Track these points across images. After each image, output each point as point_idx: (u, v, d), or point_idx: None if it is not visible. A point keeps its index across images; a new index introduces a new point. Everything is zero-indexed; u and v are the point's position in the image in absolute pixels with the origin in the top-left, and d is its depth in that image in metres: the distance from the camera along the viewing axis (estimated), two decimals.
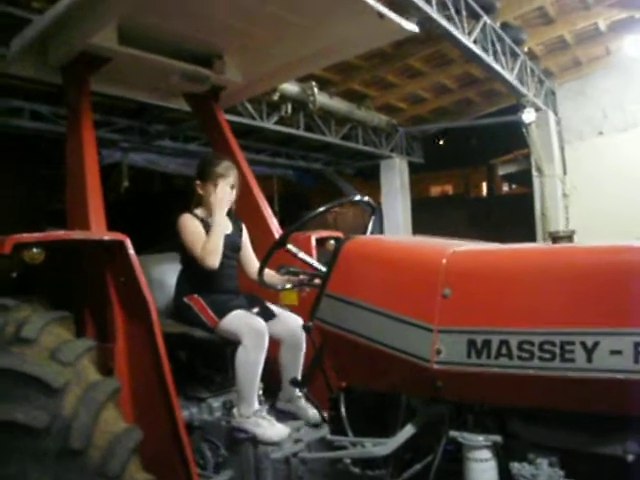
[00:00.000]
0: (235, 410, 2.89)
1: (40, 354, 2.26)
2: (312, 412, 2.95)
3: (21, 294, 2.57)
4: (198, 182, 3.23)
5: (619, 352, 1.74)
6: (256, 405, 2.87)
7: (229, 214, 3.29)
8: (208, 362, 3.20)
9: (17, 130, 9.17)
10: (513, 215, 15.04)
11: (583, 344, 1.80)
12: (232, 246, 3.22)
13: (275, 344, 3.02)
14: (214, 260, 3.00)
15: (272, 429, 2.79)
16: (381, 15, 2.91)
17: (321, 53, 3.42)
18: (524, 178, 14.02)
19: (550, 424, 2.02)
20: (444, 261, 2.19)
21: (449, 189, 22.22)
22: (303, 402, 3.03)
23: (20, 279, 2.72)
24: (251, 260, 3.35)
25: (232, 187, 3.23)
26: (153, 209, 13.61)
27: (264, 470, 2.70)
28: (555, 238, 2.72)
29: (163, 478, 2.43)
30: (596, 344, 1.78)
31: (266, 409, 2.95)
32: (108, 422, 2.26)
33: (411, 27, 3.10)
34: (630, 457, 1.86)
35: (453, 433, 2.16)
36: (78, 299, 2.84)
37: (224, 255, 3.11)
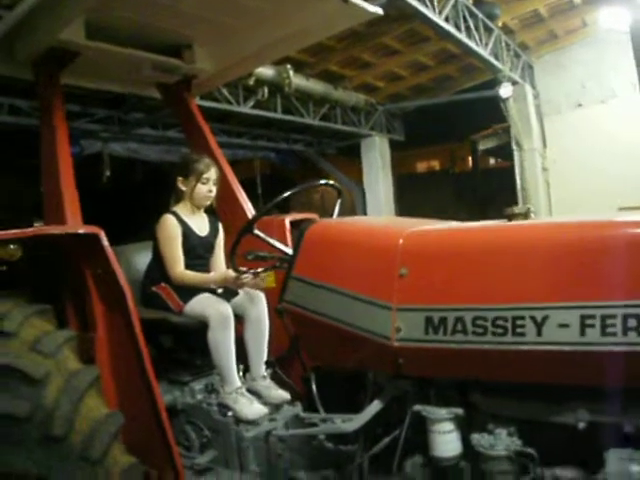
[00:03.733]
0: (221, 388, 2.98)
1: (21, 346, 2.33)
2: (275, 392, 3.03)
3: (3, 289, 2.64)
4: (180, 178, 3.31)
5: (566, 325, 1.84)
6: (237, 383, 2.95)
7: (209, 211, 3.39)
8: (189, 346, 3.28)
9: None
10: (498, 189, 15.04)
11: (533, 318, 1.90)
12: (206, 247, 3.35)
13: (240, 322, 3.11)
14: (177, 275, 3.11)
15: (249, 407, 2.87)
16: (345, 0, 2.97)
17: (290, 38, 3.45)
18: (505, 152, 14.06)
19: (507, 396, 2.12)
20: (400, 241, 2.27)
21: (436, 164, 22.20)
22: (267, 382, 3.09)
23: (1, 274, 2.77)
24: (220, 261, 3.44)
25: (214, 183, 3.33)
26: (136, 197, 13.60)
27: (245, 449, 2.79)
28: (510, 216, 2.79)
29: (147, 460, 2.51)
30: (545, 318, 1.88)
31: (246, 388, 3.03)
32: (90, 408, 2.33)
33: (375, 9, 3.15)
34: (581, 425, 1.97)
35: (417, 407, 2.26)
36: (59, 291, 2.89)
37: (197, 255, 3.27)
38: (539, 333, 1.88)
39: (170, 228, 3.18)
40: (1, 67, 3.29)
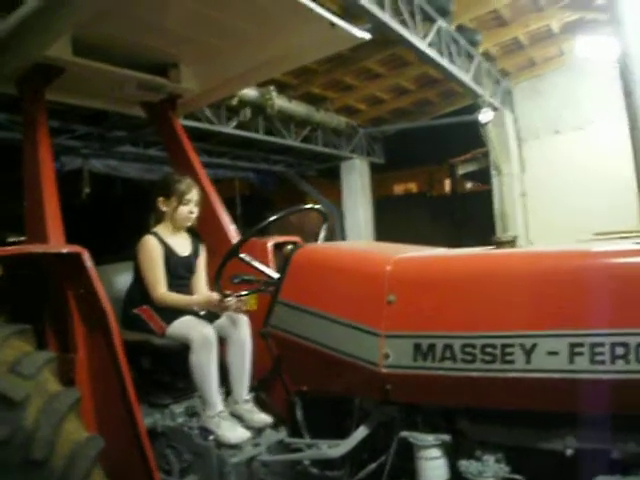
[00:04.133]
0: (202, 412, 2.94)
1: (0, 368, 2.27)
2: (258, 416, 2.98)
3: None
4: (161, 199, 3.29)
5: (555, 353, 1.85)
6: (219, 407, 2.91)
7: (190, 232, 3.37)
8: (170, 369, 3.23)
9: None
10: (476, 213, 15.15)
11: (522, 346, 1.90)
12: (187, 267, 3.32)
13: (222, 345, 3.07)
14: (159, 297, 3.08)
15: (232, 431, 2.83)
16: (332, 24, 2.98)
17: (276, 61, 3.47)
18: (484, 177, 14.21)
19: (495, 422, 2.12)
20: (388, 268, 2.28)
21: (413, 187, 22.36)
22: (250, 405, 3.04)
23: None
24: (201, 282, 3.40)
25: (195, 204, 3.30)
26: (116, 214, 13.49)
27: (227, 474, 2.74)
28: (497, 243, 2.79)
29: None
30: (534, 346, 1.88)
31: (229, 412, 2.99)
32: (70, 432, 2.27)
33: (362, 35, 3.17)
34: (569, 452, 1.98)
35: (404, 433, 2.25)
36: (39, 310, 2.84)
37: (178, 276, 3.23)
38: (528, 361, 1.88)
39: (151, 249, 3.15)
40: None
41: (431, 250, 2.63)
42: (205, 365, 2.86)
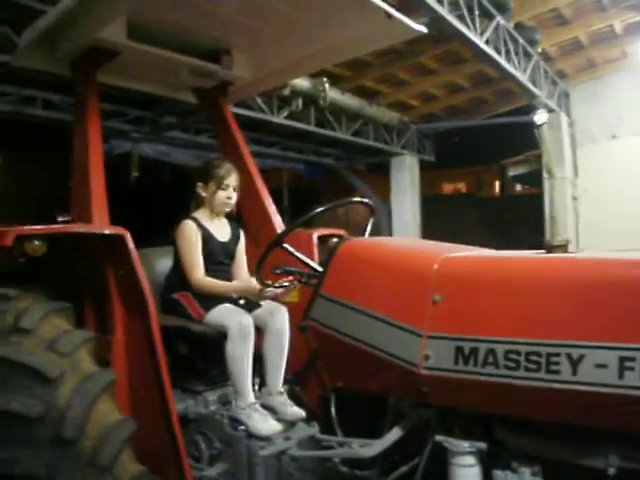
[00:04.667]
0: (233, 401, 2.92)
1: (38, 344, 2.29)
2: (291, 409, 2.95)
3: (25, 284, 2.61)
4: (200, 184, 3.29)
5: (604, 366, 1.76)
6: (251, 398, 2.89)
7: (229, 217, 3.34)
8: (205, 355, 3.22)
9: (30, 118, 9.24)
10: (525, 216, 14.91)
11: (569, 356, 1.81)
12: (226, 253, 3.31)
13: (260, 335, 3.04)
14: (196, 281, 3.06)
15: (263, 423, 2.80)
16: (389, 15, 2.91)
17: (329, 51, 3.42)
18: (535, 179, 13.93)
19: (535, 433, 2.04)
20: (435, 266, 2.21)
21: (462, 187, 22.11)
22: (284, 398, 3.01)
23: (24, 269, 2.75)
24: (242, 269, 3.40)
25: (234, 189, 3.28)
26: (163, 199, 13.66)
27: (256, 465, 2.72)
28: (549, 247, 2.68)
29: (156, 470, 2.46)
30: (582, 357, 1.79)
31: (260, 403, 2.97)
32: (102, 413, 2.28)
33: (419, 28, 3.10)
34: (612, 470, 1.88)
35: (439, 438, 2.18)
36: (80, 290, 2.87)
37: (217, 261, 3.22)
38: (574, 372, 1.80)
39: (189, 233, 3.14)
40: (41, 62, 3.29)
41: (480, 251, 2.54)
42: (240, 355, 2.84)
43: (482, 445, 2.11)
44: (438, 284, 2.16)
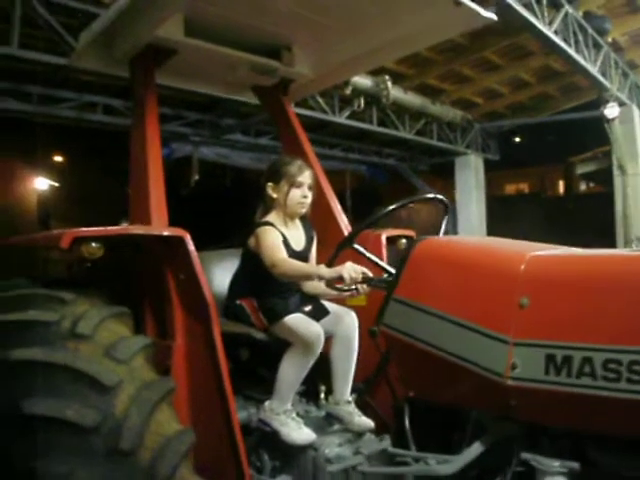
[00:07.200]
0: (267, 403, 2.80)
1: (95, 351, 2.24)
2: (359, 419, 2.80)
3: (81, 287, 2.56)
4: (270, 184, 3.03)
5: None
6: (289, 405, 2.77)
7: (303, 220, 3.13)
8: (268, 363, 3.11)
9: (91, 124, 9.43)
10: (592, 216, 14.48)
11: None
12: (300, 260, 3.00)
13: (327, 341, 2.85)
14: (278, 261, 2.78)
15: (298, 432, 2.68)
16: (457, 2, 2.77)
17: (395, 44, 3.27)
18: (604, 177, 13.46)
19: (636, 455, 1.82)
20: (522, 267, 2.03)
21: (524, 187, 21.64)
22: (352, 407, 2.86)
23: (80, 272, 2.71)
24: None
25: (309, 188, 3.03)
26: (224, 203, 13.76)
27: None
28: None
29: None
30: None
31: (296, 411, 2.83)
32: (160, 423, 2.21)
33: (489, 15, 2.94)
34: None
35: (525, 455, 2.00)
36: (138, 294, 2.81)
37: None
38: None
39: (274, 235, 2.86)
40: (99, 64, 3.28)
41: (568, 249, 2.34)
42: (303, 365, 2.72)
43: (574, 465, 1.92)
44: (525, 286, 1.98)
